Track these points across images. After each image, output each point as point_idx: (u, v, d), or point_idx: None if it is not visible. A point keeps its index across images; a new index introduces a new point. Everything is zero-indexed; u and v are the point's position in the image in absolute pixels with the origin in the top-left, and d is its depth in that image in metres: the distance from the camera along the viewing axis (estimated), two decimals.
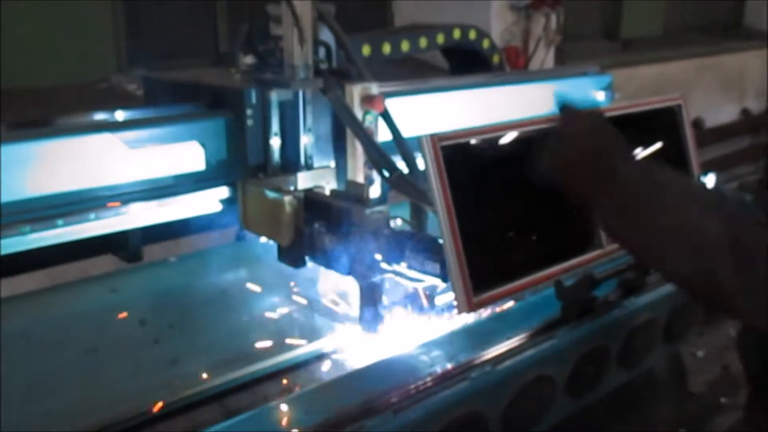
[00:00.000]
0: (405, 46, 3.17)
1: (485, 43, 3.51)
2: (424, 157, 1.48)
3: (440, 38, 3.29)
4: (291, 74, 2.04)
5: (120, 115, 2.04)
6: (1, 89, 3.63)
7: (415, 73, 4.50)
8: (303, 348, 1.93)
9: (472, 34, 3.42)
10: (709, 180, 2.83)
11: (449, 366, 1.46)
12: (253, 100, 2.05)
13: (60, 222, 1.83)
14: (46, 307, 1.96)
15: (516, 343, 1.57)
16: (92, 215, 1.88)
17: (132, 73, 4.20)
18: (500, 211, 1.52)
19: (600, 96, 3.15)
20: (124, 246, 2.10)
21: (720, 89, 7.62)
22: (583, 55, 6.20)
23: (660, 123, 2.08)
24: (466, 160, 1.53)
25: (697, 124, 7.03)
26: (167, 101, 2.27)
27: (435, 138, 1.46)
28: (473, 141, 1.56)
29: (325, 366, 1.89)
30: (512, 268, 1.51)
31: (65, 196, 1.83)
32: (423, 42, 3.25)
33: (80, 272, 2.18)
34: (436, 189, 1.38)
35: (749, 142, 7.57)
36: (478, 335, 1.63)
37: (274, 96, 2.05)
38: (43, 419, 1.57)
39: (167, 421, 1.66)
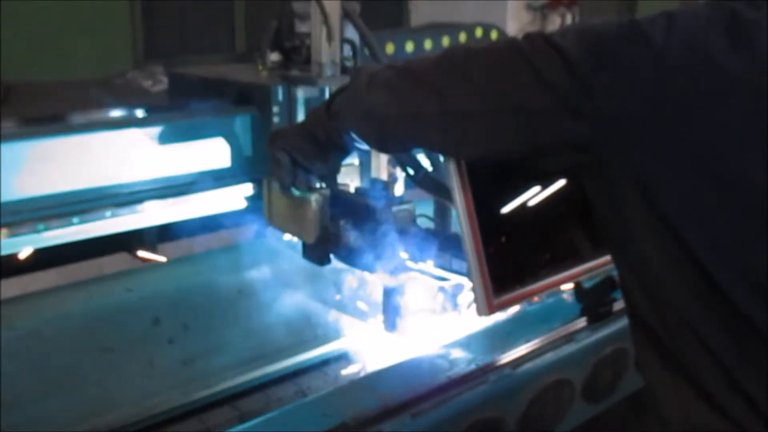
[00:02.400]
0: (428, 44, 3.14)
1: None
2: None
3: (462, 37, 3.26)
4: (318, 71, 2.03)
5: (145, 112, 2.05)
6: (15, 84, 3.64)
7: None
8: (319, 349, 1.91)
9: (494, 34, 3.39)
10: None
11: (468, 369, 1.44)
12: (280, 96, 2.06)
13: (76, 220, 1.84)
14: (60, 306, 1.96)
15: (535, 346, 1.55)
16: (110, 213, 1.88)
17: (148, 69, 4.20)
18: (521, 211, 1.49)
19: None
20: (140, 244, 2.10)
21: None
22: None
23: None
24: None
25: None
26: (192, 97, 2.25)
27: None
28: None
29: (342, 367, 1.88)
30: (533, 270, 1.49)
31: (88, 193, 1.83)
32: (446, 40, 3.21)
33: (89, 272, 2.17)
34: (457, 189, 1.35)
35: None
36: (496, 337, 1.61)
37: (301, 93, 2.06)
38: (57, 418, 1.57)
39: (180, 422, 1.65)
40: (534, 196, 1.53)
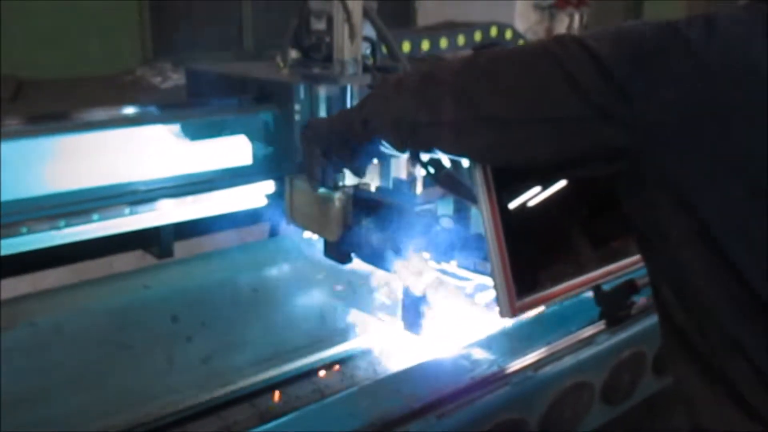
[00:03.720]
0: (444, 43, 3.15)
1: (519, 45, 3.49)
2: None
3: (478, 36, 3.27)
4: (340, 69, 2.03)
5: (164, 109, 2.05)
6: (27, 81, 3.64)
7: None
8: (337, 348, 1.92)
9: (509, 34, 3.40)
10: None
11: (490, 371, 1.45)
12: (302, 94, 2.06)
13: (96, 216, 1.84)
14: (80, 302, 1.96)
15: (555, 349, 1.56)
16: (129, 210, 1.88)
17: (157, 66, 4.20)
18: (545, 213, 1.50)
19: None
20: (156, 242, 2.10)
21: None
22: None
23: None
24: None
25: None
26: (211, 94, 2.26)
27: None
28: None
29: (362, 367, 1.88)
30: (556, 272, 1.49)
31: (106, 190, 1.84)
32: (461, 39, 3.23)
33: (103, 270, 2.18)
34: (482, 192, 1.36)
35: None
36: (517, 339, 1.62)
37: (323, 91, 2.06)
38: (76, 415, 1.57)
39: (199, 420, 1.65)
40: (557, 198, 1.53)
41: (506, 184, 1.38)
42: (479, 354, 1.51)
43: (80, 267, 2.10)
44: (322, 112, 2.10)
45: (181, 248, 2.23)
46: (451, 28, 3.35)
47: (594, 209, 1.56)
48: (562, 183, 1.49)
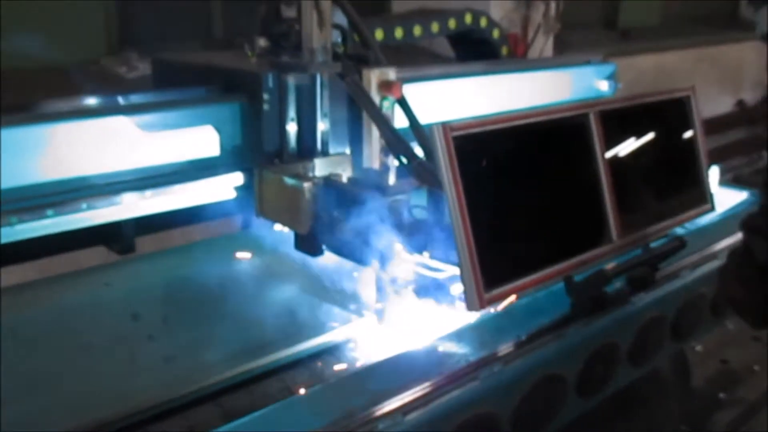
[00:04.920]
0: (417, 30, 3.11)
1: (495, 33, 3.46)
2: (434, 147, 1.42)
3: (452, 23, 3.24)
4: (309, 58, 1.99)
5: (130, 99, 2.00)
6: None
7: (418, 59, 4.42)
8: (306, 344, 1.87)
9: (483, 22, 3.37)
10: (713, 172, 2.80)
11: (459, 365, 1.40)
12: (270, 84, 2.01)
13: (50, 212, 1.77)
14: (36, 301, 1.89)
15: (526, 341, 1.51)
16: (93, 204, 1.82)
17: (122, 56, 4.09)
18: (513, 205, 1.47)
19: (604, 85, 3.11)
20: (117, 237, 2.04)
21: (716, 80, 7.57)
22: (582, 44, 6.13)
23: (670, 113, 2.04)
24: (479, 151, 1.48)
25: None
26: (178, 84, 2.21)
27: (447, 127, 1.40)
28: (486, 131, 1.52)
29: (329, 363, 1.84)
30: (524, 264, 1.46)
31: (70, 183, 1.78)
32: (435, 27, 3.19)
33: (65, 266, 2.10)
34: (448, 181, 1.33)
35: (745, 134, 7.54)
36: (486, 332, 1.57)
37: (292, 80, 2.01)
38: (34, 419, 1.51)
39: (162, 421, 1.60)
40: (526, 190, 1.51)
41: (473, 175, 1.34)
42: (447, 348, 1.46)
43: (46, 263, 2.03)
44: (291, 101, 2.03)
45: (150, 243, 2.17)
46: (425, 15, 3.30)
47: (563, 200, 1.53)
48: (530, 175, 1.47)
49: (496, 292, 1.35)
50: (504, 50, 3.43)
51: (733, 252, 1.40)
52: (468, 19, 3.22)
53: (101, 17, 4.26)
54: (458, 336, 1.57)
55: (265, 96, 2.00)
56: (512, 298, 1.48)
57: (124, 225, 2.00)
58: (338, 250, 1.92)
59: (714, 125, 7.18)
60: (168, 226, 2.18)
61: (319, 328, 1.95)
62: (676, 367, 2.27)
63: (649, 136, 1.91)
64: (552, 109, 1.63)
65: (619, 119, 1.83)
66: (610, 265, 1.65)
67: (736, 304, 1.40)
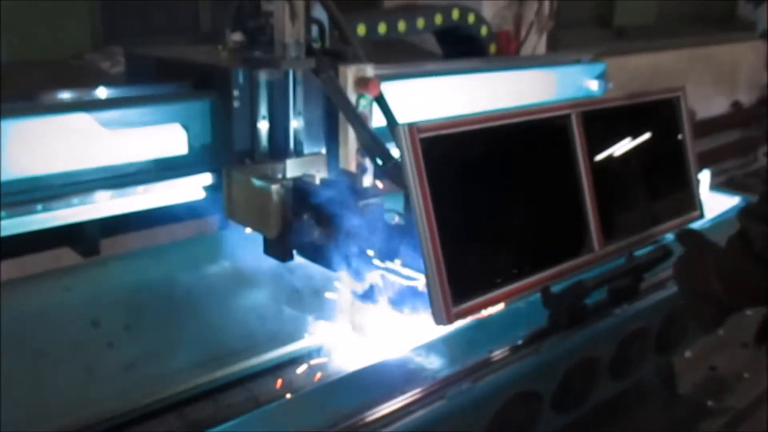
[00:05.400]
0: (402, 26, 3.03)
1: (483, 30, 3.37)
2: (400, 149, 1.35)
3: (438, 19, 3.15)
4: (281, 53, 1.90)
5: (99, 94, 1.94)
6: None
7: (404, 56, 4.34)
8: (273, 353, 1.80)
9: (471, 18, 3.28)
10: (704, 177, 2.74)
11: (426, 382, 1.32)
12: (241, 80, 1.93)
13: (4, 214, 1.69)
14: None
15: (498, 356, 1.43)
16: (50, 205, 1.73)
17: (107, 50, 4.01)
18: (485, 212, 1.38)
19: (593, 85, 3.05)
20: (80, 238, 1.95)
21: (711, 81, 7.52)
22: (576, 42, 6.06)
23: (659, 115, 1.96)
24: (449, 154, 1.40)
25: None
26: (150, 80, 2.12)
27: (414, 128, 1.32)
28: (457, 133, 1.43)
29: (297, 373, 1.77)
30: (496, 275, 1.38)
31: (32, 181, 1.69)
32: (420, 22, 3.10)
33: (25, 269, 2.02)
34: (414, 186, 1.24)
35: (739, 136, 7.50)
36: (456, 346, 1.49)
37: (263, 76, 1.93)
38: None
39: None
40: (500, 197, 1.42)
41: (442, 181, 1.26)
42: (413, 363, 1.38)
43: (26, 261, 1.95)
44: (263, 98, 1.96)
45: (121, 245, 2.09)
46: (410, 10, 3.21)
47: (539, 207, 1.46)
48: (505, 180, 1.39)
49: (465, 305, 1.27)
50: (492, 48, 3.34)
51: (713, 245, 1.38)
52: (455, 15, 3.13)
53: (86, 12, 4.18)
54: (426, 350, 1.49)
55: (235, 92, 1.92)
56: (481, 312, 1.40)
57: (88, 226, 1.92)
58: (309, 255, 1.85)
59: (709, 126, 7.14)
60: (140, 227, 2.10)
61: (289, 336, 1.88)
62: (661, 373, 2.20)
63: (635, 139, 1.83)
64: (531, 110, 1.55)
65: (603, 121, 1.75)
66: (590, 276, 1.57)
67: (696, 298, 1.37)
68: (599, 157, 1.68)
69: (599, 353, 1.62)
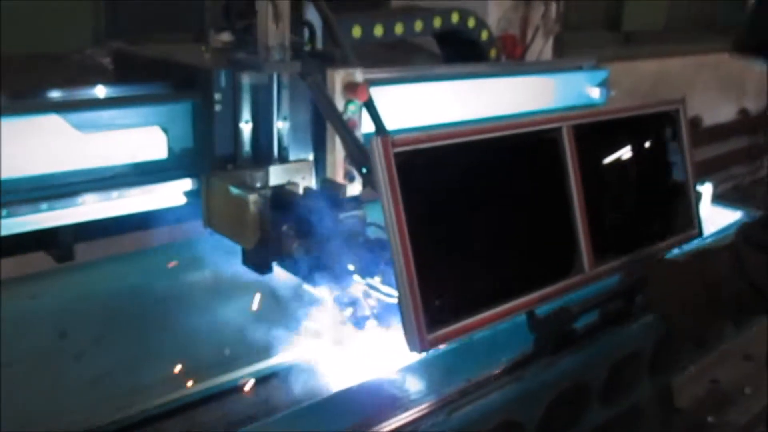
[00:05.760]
0: (399, 28, 2.94)
1: (484, 35, 3.28)
2: (373, 164, 1.26)
3: (437, 22, 3.06)
4: (265, 55, 1.84)
5: (77, 94, 1.88)
6: None
7: (409, 58, 4.26)
8: (250, 368, 1.73)
9: (471, 22, 3.19)
10: (705, 189, 2.67)
11: (398, 413, 1.24)
12: (223, 82, 1.86)
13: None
14: None
15: (478, 384, 1.34)
16: (32, 207, 1.68)
17: (107, 46, 3.95)
18: (464, 232, 1.29)
19: (595, 93, 2.97)
20: (53, 243, 1.88)
21: (719, 88, 7.43)
22: (583, 47, 5.98)
23: (656, 128, 1.88)
24: (426, 169, 1.31)
25: (694, 122, 6.89)
26: (137, 79, 2.06)
27: (387, 141, 1.23)
28: (435, 147, 1.34)
29: (274, 390, 1.70)
30: (477, 299, 1.29)
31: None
32: (418, 25, 3.01)
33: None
34: (387, 203, 1.16)
35: (746, 143, 7.44)
36: (433, 373, 1.40)
37: (246, 79, 1.86)
38: None
39: None
40: (482, 215, 1.34)
41: (418, 198, 1.18)
42: (386, 391, 1.30)
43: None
44: (246, 102, 1.89)
45: (101, 250, 2.02)
46: (408, 12, 3.13)
47: (524, 226, 1.37)
48: (488, 198, 1.31)
49: (442, 331, 1.18)
50: (492, 53, 3.26)
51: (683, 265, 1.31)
52: (454, 18, 3.04)
53: (88, 6, 4.12)
54: (399, 376, 1.41)
55: (217, 95, 1.85)
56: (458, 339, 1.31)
57: (61, 231, 1.85)
58: (289, 268, 1.79)
59: (716, 133, 7.06)
60: (119, 231, 2.03)
61: (268, 351, 1.80)
62: (659, 388, 2.13)
63: (631, 153, 1.74)
64: (518, 122, 1.46)
65: (597, 134, 1.66)
66: (577, 301, 1.49)
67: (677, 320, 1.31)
68: (592, 172, 1.59)
69: (588, 379, 1.54)
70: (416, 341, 1.15)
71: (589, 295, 1.54)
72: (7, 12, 3.59)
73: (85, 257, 1.96)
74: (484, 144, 1.41)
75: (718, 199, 2.68)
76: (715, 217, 2.47)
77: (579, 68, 3.03)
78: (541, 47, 5.49)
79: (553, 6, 5.44)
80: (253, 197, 1.71)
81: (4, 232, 1.67)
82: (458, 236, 1.29)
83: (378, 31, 2.86)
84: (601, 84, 3.02)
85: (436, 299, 1.19)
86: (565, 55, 5.53)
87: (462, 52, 3.27)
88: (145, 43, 3.13)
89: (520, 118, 1.50)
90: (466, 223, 1.28)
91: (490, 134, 1.41)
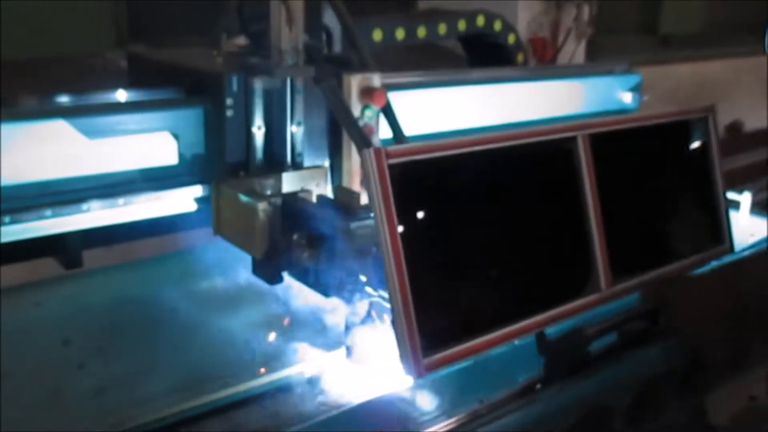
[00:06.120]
0: (421, 31, 2.89)
1: (510, 38, 3.21)
2: (366, 177, 1.20)
3: (461, 25, 2.99)
4: (278, 59, 1.79)
5: (79, 99, 1.84)
6: None
7: (437, 62, 4.20)
8: (257, 381, 1.68)
9: (498, 25, 3.12)
10: (744, 198, 2.56)
11: None
12: (234, 87, 1.82)
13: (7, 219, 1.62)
14: None
15: (491, 406, 1.26)
16: (39, 213, 1.66)
17: (129, 49, 3.95)
18: (464, 249, 1.20)
19: (626, 97, 2.88)
20: (62, 250, 1.86)
21: (761, 92, 7.22)
22: (618, 50, 5.84)
23: (683, 138, 1.78)
24: (423, 183, 1.24)
25: (734, 127, 6.71)
26: (150, 83, 2.04)
27: (381, 152, 1.15)
28: (433, 159, 1.25)
29: (283, 403, 1.64)
30: (478, 320, 1.20)
31: (7, 190, 1.61)
32: (442, 28, 2.95)
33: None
34: (380, 219, 1.08)
35: None
36: (444, 391, 1.33)
37: (258, 83, 1.82)
38: None
39: None
40: (486, 232, 1.25)
41: (415, 214, 1.10)
42: (384, 416, 1.23)
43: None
44: (258, 107, 1.85)
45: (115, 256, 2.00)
46: (432, 15, 3.07)
47: (539, 242, 1.29)
48: (494, 212, 1.22)
49: (440, 355, 1.10)
50: (519, 57, 3.18)
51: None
52: (480, 21, 2.97)
53: (109, 8, 4.14)
54: (412, 393, 1.34)
55: (228, 100, 1.81)
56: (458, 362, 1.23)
57: (69, 237, 1.83)
58: (300, 278, 1.75)
59: (758, 139, 6.86)
60: (131, 237, 2.01)
61: (277, 362, 1.75)
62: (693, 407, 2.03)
63: (654, 164, 1.64)
64: (529, 131, 1.37)
65: (616, 144, 1.56)
66: (590, 322, 1.39)
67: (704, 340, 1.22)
68: (610, 184, 1.49)
69: (611, 402, 1.45)
70: (411, 366, 1.07)
71: (607, 314, 1.45)
72: (28, 15, 3.61)
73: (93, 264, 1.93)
74: (489, 155, 1.31)
75: (757, 207, 2.58)
76: (754, 227, 2.36)
77: (610, 72, 2.94)
78: (573, 50, 5.38)
79: (586, 8, 5.32)
80: (262, 205, 1.66)
81: (12, 238, 1.65)
82: (458, 254, 1.21)
83: (400, 34, 2.81)
84: (634, 88, 2.92)
85: (434, 321, 1.11)
86: (599, 59, 5.41)
87: (488, 55, 3.21)
88: (166, 46, 3.13)
89: (531, 126, 1.41)
90: (467, 240, 1.20)
91: (494, 144, 1.32)
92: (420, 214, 1.13)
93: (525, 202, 1.36)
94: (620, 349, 1.48)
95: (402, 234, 1.09)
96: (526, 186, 1.41)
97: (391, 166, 1.17)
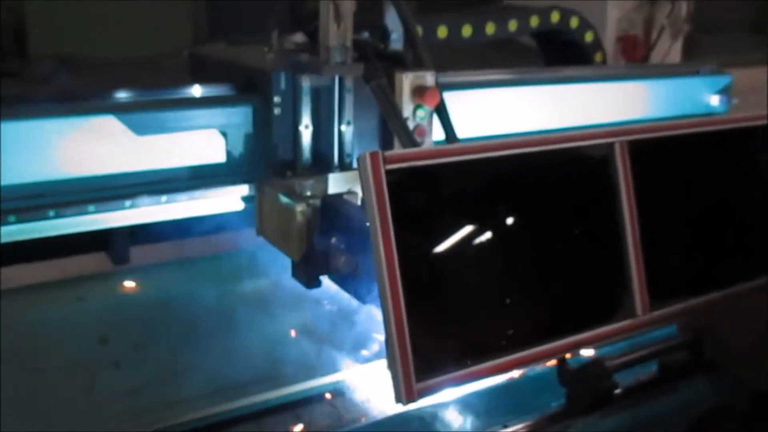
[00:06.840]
0: (490, 28, 2.77)
1: (588, 36, 3.04)
2: (362, 182, 1.13)
3: (534, 21, 2.85)
4: (326, 57, 1.76)
5: (128, 96, 1.84)
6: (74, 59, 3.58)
7: (516, 60, 4.08)
8: (289, 388, 1.67)
9: (574, 22, 2.96)
10: None
11: None
12: (282, 85, 1.80)
13: (51, 213, 1.64)
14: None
15: None
16: (88, 208, 1.67)
17: (207, 48, 4.03)
18: (470, 267, 1.09)
19: (714, 100, 2.69)
20: (109, 245, 1.90)
21: None
22: (720, 49, 5.51)
23: (736, 147, 1.60)
24: (423, 192, 1.14)
25: None
26: (207, 80, 2.02)
27: (378, 157, 1.08)
28: (435, 165, 1.15)
29: (314, 412, 1.62)
30: (484, 345, 1.09)
31: (58, 184, 1.63)
32: (512, 24, 2.82)
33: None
34: (375, 230, 0.99)
35: None
36: (468, 412, 1.26)
37: (306, 81, 1.79)
38: None
39: None
40: (485, 253, 1.13)
41: (411, 222, 1.02)
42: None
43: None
44: (306, 105, 1.81)
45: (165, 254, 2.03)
46: (503, 11, 2.95)
47: (566, 260, 1.18)
48: (512, 226, 1.12)
49: (434, 380, 1.01)
50: (598, 57, 3.02)
51: None
52: (554, 17, 2.82)
53: (189, 7, 4.23)
54: (434, 411, 1.27)
55: (276, 98, 1.79)
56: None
57: (117, 233, 1.86)
58: (338, 282, 1.69)
59: None
60: (181, 236, 2.03)
61: (313, 369, 1.73)
62: None
63: (701, 176, 1.46)
64: (557, 137, 1.24)
65: (658, 153, 1.43)
66: (607, 355, 1.25)
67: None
68: (651, 198, 1.33)
69: None
70: (401, 390, 0.99)
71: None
72: (109, 15, 3.72)
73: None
74: (504, 163, 1.20)
75: None
76: None
77: (695, 73, 2.75)
78: (667, 49, 5.10)
79: (683, 5, 5.04)
80: (300, 206, 1.63)
81: (59, 232, 1.68)
82: (463, 271, 1.11)
83: (466, 31, 2.71)
84: (722, 91, 2.72)
85: (430, 343, 1.01)
86: (696, 59, 5.12)
87: (564, 54, 3.05)
88: (244, 44, 3.15)
89: (562, 132, 1.29)
90: (475, 257, 1.10)
91: (512, 151, 1.19)
92: (419, 226, 1.04)
93: (544, 215, 1.24)
94: (656, 383, 1.35)
95: (398, 246, 1.01)
96: (549, 197, 1.28)
97: (389, 173, 1.09)
